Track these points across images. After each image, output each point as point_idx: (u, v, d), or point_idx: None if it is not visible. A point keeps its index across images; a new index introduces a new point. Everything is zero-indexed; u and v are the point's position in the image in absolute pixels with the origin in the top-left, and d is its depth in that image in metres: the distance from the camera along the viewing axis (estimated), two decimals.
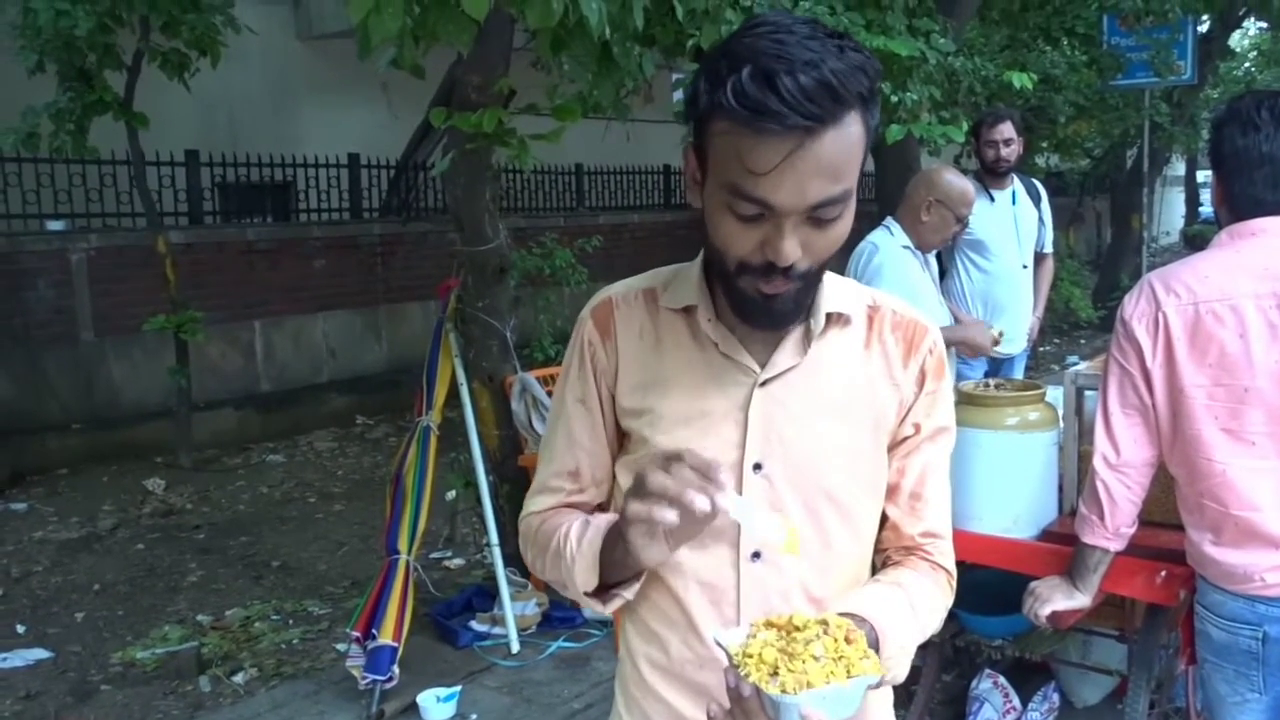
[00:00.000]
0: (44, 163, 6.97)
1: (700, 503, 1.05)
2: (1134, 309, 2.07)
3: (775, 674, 1.04)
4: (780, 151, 1.07)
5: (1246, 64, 16.45)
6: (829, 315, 1.26)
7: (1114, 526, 2.18)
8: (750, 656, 1.06)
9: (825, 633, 1.07)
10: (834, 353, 1.27)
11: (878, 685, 1.06)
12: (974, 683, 3.31)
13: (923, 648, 1.51)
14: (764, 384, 1.25)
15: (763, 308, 1.18)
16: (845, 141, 1.09)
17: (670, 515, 1.06)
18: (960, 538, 1.38)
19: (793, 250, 1.12)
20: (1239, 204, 2.05)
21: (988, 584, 2.68)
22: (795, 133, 1.06)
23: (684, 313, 1.29)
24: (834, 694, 1.03)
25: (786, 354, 1.25)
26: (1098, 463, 2.15)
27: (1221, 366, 1.97)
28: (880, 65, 1.15)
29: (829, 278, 1.27)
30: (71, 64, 5.88)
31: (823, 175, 1.09)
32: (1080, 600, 2.29)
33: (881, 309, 1.31)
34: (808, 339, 1.26)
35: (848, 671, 1.04)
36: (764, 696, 1.03)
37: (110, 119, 6.21)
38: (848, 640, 1.07)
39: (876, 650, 1.13)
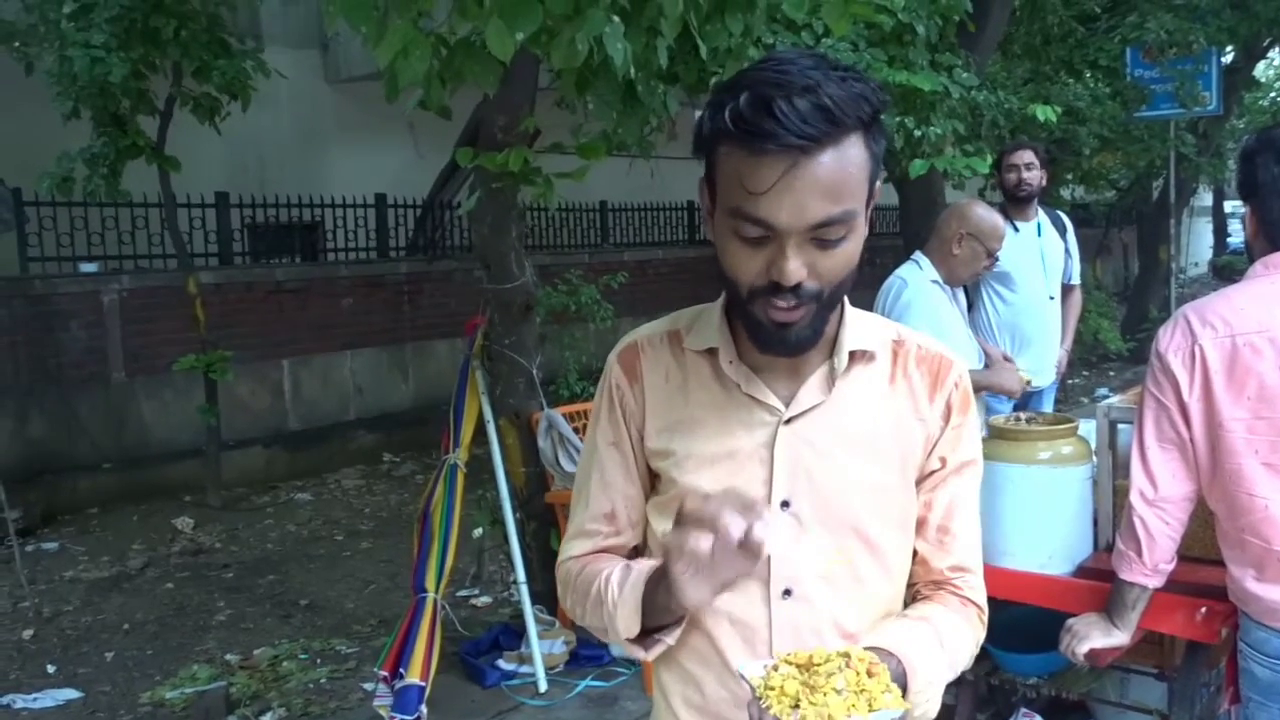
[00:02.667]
0: (78, 206, 7.09)
1: (735, 527, 1.05)
2: (1169, 342, 2.05)
3: (797, 706, 1.04)
4: (776, 170, 1.09)
5: (1272, 94, 16.38)
6: (852, 353, 1.26)
7: (1152, 563, 2.14)
8: (772, 689, 1.06)
9: (847, 665, 1.07)
10: (859, 389, 1.27)
11: None
12: None
13: (956, 685, 1.49)
14: (788, 422, 1.25)
15: (778, 336, 1.18)
16: (845, 163, 1.11)
17: (704, 543, 1.06)
18: (994, 574, 1.37)
19: (796, 270, 1.12)
20: (1275, 234, 2.03)
21: (1023, 621, 2.63)
22: (791, 152, 1.08)
23: (707, 354, 1.29)
24: None
25: (811, 392, 1.25)
26: (1134, 498, 2.12)
27: (1261, 399, 1.94)
28: (889, 96, 1.17)
29: (852, 313, 1.28)
30: (106, 110, 6.01)
31: (821, 194, 1.10)
32: (1118, 638, 2.25)
33: (906, 343, 1.31)
34: (832, 377, 1.25)
35: (869, 705, 1.04)
36: None
37: (143, 163, 6.34)
38: (869, 674, 1.07)
39: (904, 685, 1.13)
